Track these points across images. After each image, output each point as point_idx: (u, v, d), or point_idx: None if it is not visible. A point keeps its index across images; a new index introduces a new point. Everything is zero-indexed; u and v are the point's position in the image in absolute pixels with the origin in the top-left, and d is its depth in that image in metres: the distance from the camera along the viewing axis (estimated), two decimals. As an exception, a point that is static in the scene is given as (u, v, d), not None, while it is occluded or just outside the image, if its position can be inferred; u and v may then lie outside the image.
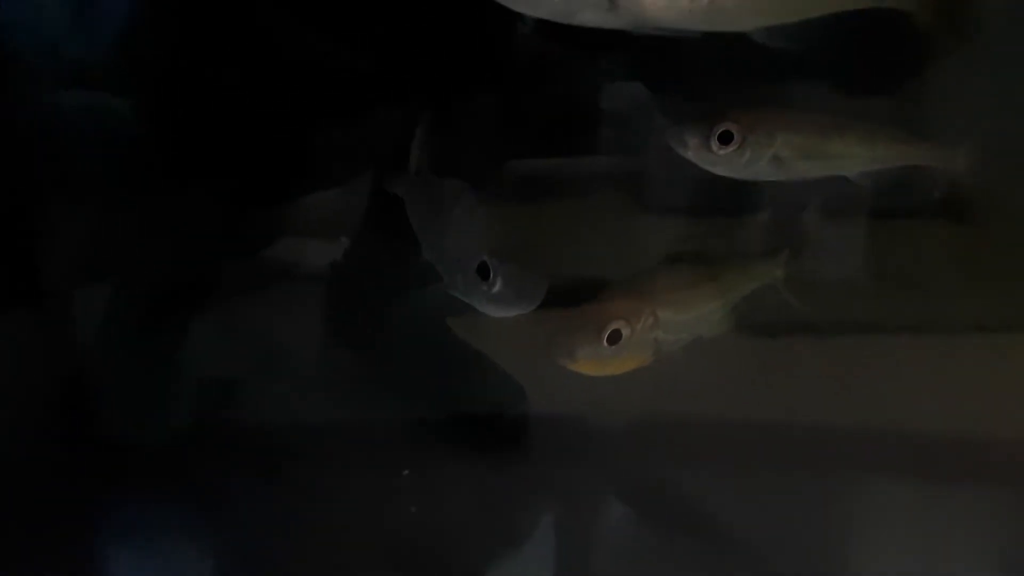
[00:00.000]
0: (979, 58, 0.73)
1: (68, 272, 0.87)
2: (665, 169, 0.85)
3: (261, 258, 0.90)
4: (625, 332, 0.70)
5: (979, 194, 0.78)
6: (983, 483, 0.87)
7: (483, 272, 0.63)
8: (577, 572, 0.88)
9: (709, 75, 0.76)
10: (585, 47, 0.77)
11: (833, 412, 0.90)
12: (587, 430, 0.90)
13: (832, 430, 0.91)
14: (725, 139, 0.67)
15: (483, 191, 0.82)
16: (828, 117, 0.72)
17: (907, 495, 0.89)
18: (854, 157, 0.73)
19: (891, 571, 0.85)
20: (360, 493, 0.89)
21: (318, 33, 0.78)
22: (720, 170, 0.69)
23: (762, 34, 0.62)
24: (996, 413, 0.88)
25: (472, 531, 0.90)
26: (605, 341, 0.70)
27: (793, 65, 0.72)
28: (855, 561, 0.86)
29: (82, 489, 0.87)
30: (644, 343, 0.72)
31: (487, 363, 0.90)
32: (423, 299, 0.88)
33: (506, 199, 0.86)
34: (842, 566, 0.86)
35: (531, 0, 0.57)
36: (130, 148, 0.82)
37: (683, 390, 0.86)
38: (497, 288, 0.63)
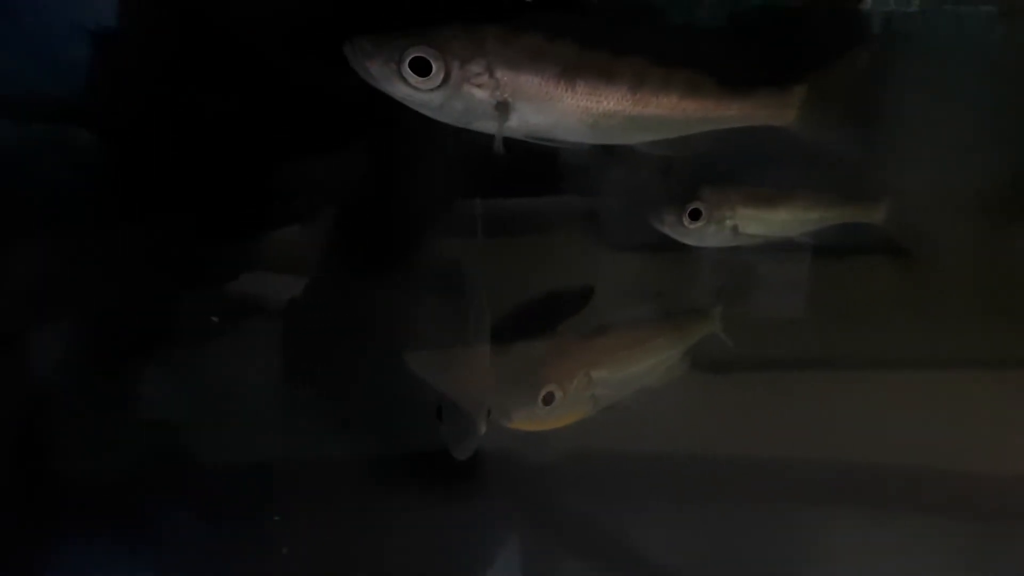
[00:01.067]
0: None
1: (22, 309, 0.86)
2: (622, 208, 0.88)
3: (220, 295, 0.90)
4: (558, 394, 0.76)
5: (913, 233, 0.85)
6: (931, 514, 0.90)
7: (438, 413, 0.74)
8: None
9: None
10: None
11: (782, 446, 0.92)
12: (534, 464, 0.91)
13: (781, 464, 0.93)
14: (695, 216, 0.79)
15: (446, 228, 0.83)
16: (775, 190, 0.83)
17: (856, 527, 0.92)
18: (798, 222, 0.83)
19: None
20: (315, 532, 0.89)
21: (281, 68, 0.78)
22: (690, 240, 0.80)
23: (645, 146, 0.70)
24: (947, 445, 0.91)
25: (426, 568, 0.90)
26: (540, 403, 0.75)
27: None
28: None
29: (31, 528, 0.85)
30: (579, 401, 0.78)
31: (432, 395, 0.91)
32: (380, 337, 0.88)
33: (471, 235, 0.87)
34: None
35: (435, 108, 0.63)
36: (87, 183, 0.82)
37: (633, 425, 0.88)
38: (442, 427, 0.74)
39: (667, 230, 0.80)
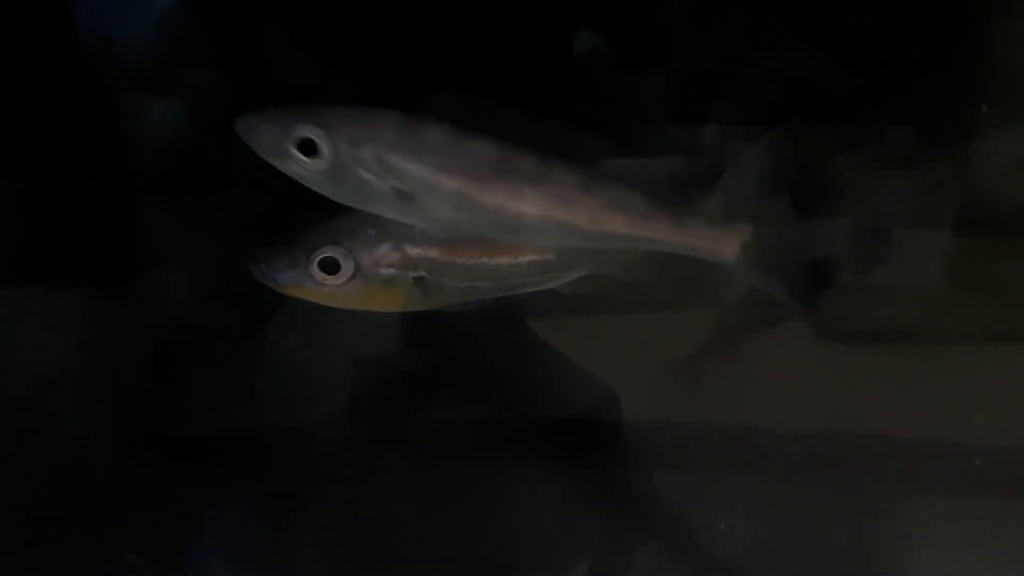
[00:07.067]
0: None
1: (160, 260, 0.89)
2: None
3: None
4: (346, 264, 0.62)
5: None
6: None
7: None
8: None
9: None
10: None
11: (913, 423, 0.89)
12: (682, 437, 0.90)
13: (909, 441, 0.90)
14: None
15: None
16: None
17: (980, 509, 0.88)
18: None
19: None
20: (440, 504, 0.90)
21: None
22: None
23: (567, 287, 0.67)
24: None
25: (563, 545, 0.91)
26: (315, 267, 0.62)
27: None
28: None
29: (167, 473, 0.89)
30: (393, 281, 0.63)
31: (570, 366, 0.88)
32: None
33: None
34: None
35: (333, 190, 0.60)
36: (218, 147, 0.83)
37: (764, 398, 0.86)
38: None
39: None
